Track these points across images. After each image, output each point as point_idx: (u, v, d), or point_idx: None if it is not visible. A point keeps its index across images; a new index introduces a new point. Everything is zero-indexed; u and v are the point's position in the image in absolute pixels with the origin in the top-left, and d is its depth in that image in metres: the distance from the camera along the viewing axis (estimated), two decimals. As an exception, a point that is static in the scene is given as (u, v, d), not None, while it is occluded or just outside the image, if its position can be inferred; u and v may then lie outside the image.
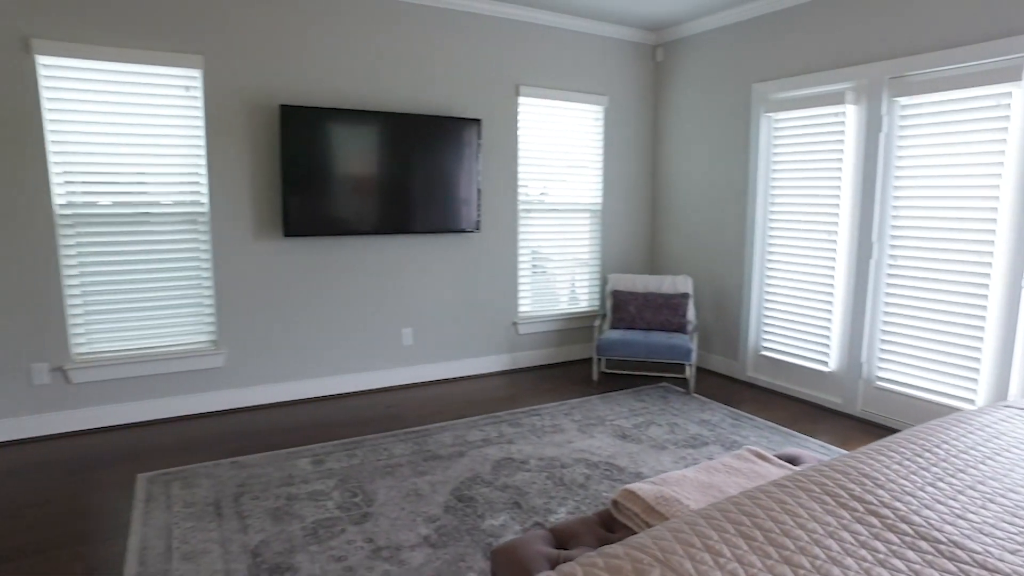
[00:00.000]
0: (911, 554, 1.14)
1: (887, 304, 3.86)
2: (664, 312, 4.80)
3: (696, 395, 4.47)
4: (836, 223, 4.09)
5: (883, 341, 3.89)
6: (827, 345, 4.20)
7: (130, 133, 3.65)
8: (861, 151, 3.93)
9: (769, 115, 4.48)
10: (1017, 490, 1.45)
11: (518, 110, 4.80)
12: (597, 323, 4.82)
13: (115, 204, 3.68)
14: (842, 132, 4.02)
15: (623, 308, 4.88)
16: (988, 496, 1.42)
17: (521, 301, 5.08)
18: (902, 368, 3.81)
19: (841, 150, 4.03)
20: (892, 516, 1.24)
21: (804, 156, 4.28)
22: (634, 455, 3.43)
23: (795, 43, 4.27)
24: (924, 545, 1.15)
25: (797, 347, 4.42)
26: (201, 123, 3.80)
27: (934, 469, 1.51)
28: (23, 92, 3.39)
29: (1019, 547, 1.20)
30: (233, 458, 3.34)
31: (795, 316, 4.41)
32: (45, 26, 3.40)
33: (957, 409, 3.57)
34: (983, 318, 3.41)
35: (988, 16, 3.30)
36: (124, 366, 3.77)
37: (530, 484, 3.07)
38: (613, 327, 4.87)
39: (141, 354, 3.82)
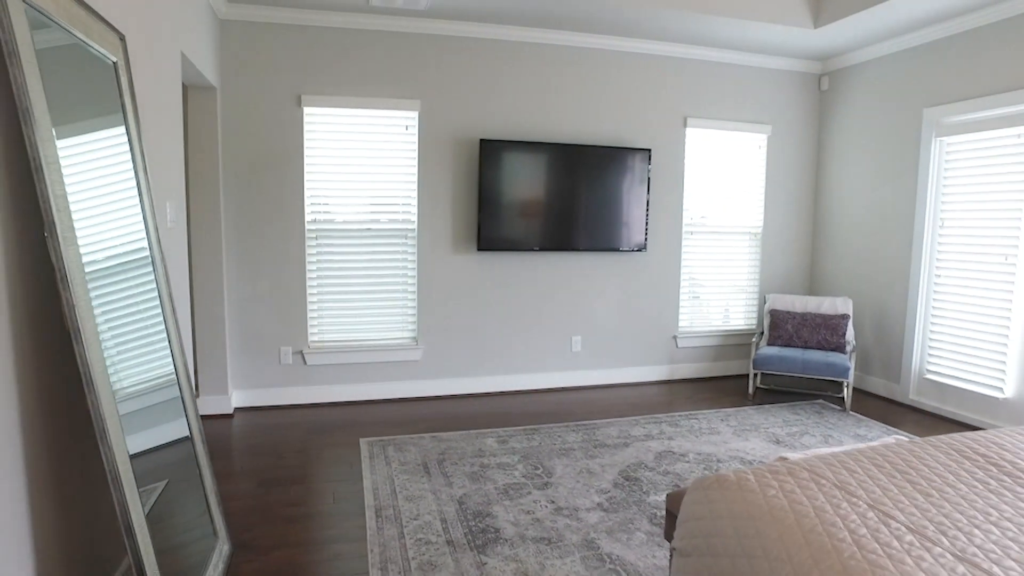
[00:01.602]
0: (1021, 490, 1.42)
1: (1068, 330, 3.78)
2: (822, 331, 4.92)
3: (853, 412, 4.56)
4: (1016, 246, 4.05)
5: (1063, 368, 3.80)
6: (1002, 371, 4.14)
7: (360, 164, 4.53)
8: (1041, 175, 3.89)
9: (941, 139, 4.51)
10: None
11: (685, 140, 5.20)
12: (755, 340, 5.04)
13: (345, 221, 4.56)
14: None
15: (781, 326, 5.06)
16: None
17: (681, 316, 5.42)
18: (1085, 397, 3.70)
19: (1023, 171, 4.00)
20: (1012, 467, 1.51)
21: (981, 179, 4.27)
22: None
23: (973, 66, 4.29)
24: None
25: (968, 371, 4.37)
26: (415, 155, 4.61)
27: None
28: (294, 135, 4.38)
29: None
30: (432, 433, 4.02)
31: (966, 340, 4.38)
32: (311, 85, 4.37)
33: None
34: None
35: None
36: (345, 353, 4.62)
37: (689, 472, 3.43)
38: (770, 344, 5.06)
39: (357, 344, 4.66)
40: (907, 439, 1.92)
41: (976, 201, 4.30)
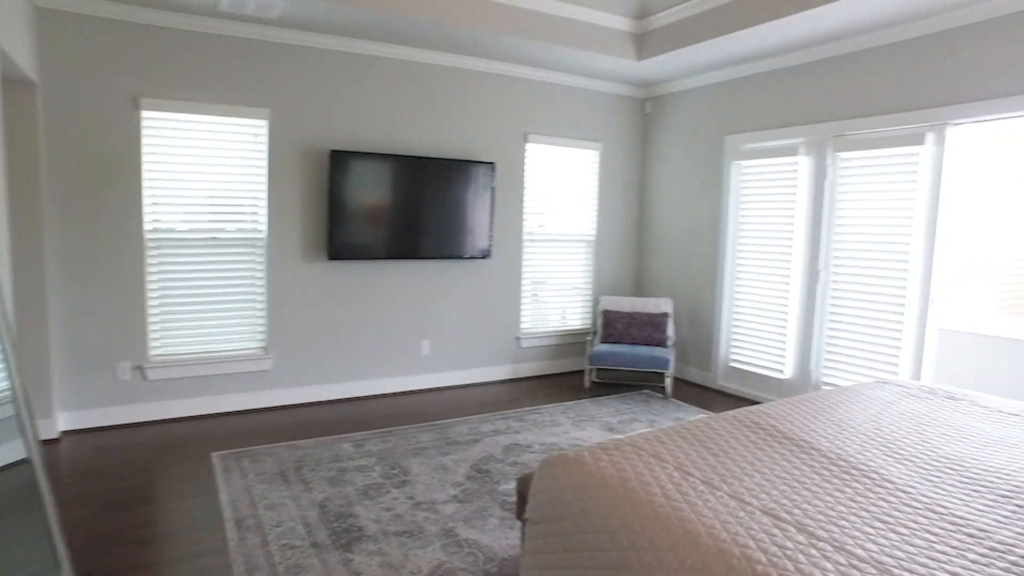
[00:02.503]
0: (776, 444, 1.90)
1: (831, 320, 4.64)
2: (647, 329, 5.56)
3: (673, 399, 5.21)
4: (790, 253, 4.88)
5: (827, 351, 4.67)
6: (783, 356, 4.96)
7: (205, 171, 4.41)
8: (810, 194, 4.74)
9: (738, 162, 5.30)
10: (852, 417, 2.24)
11: (525, 154, 5.62)
12: (589, 338, 5.57)
13: (190, 230, 4.42)
14: (795, 178, 4.83)
15: (612, 325, 5.63)
16: (833, 422, 2.19)
17: (523, 318, 5.83)
18: (842, 371, 4.58)
19: (795, 193, 4.84)
20: (773, 429, 2.00)
21: (766, 197, 5.09)
22: (620, 443, 4.15)
23: (760, 103, 5.11)
24: (785, 442, 1.93)
25: (760, 358, 5.18)
26: (265, 164, 4.58)
27: (810, 410, 2.30)
28: (131, 139, 4.17)
29: (835, 439, 1.97)
30: (288, 442, 4.04)
31: (758, 332, 5.19)
32: (151, 88, 4.19)
33: (886, 409, 4.33)
34: (901, 331, 4.19)
35: (902, 93, 4.14)
36: (190, 366, 4.47)
37: (535, 461, 3.78)
38: (603, 341, 5.61)
39: (204, 356, 4.53)
40: (707, 416, 2.37)
41: (763, 216, 5.11)
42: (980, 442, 2.04)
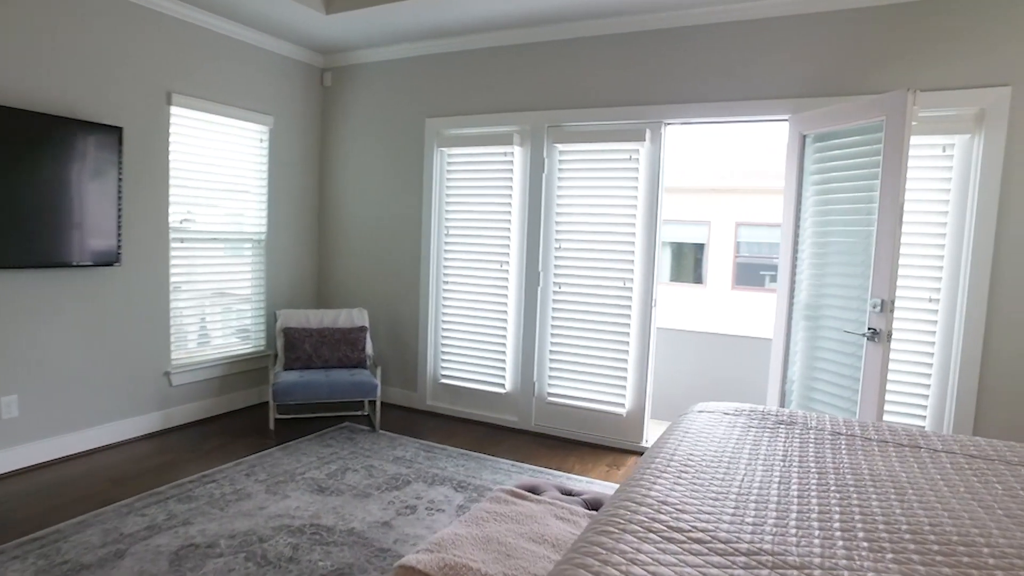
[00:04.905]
0: (741, 572, 1.21)
1: (553, 327, 4.31)
2: (342, 347, 4.56)
3: (383, 431, 4.33)
4: (508, 254, 4.42)
5: (551, 361, 4.33)
6: (503, 368, 4.49)
7: None
8: (527, 188, 4.33)
9: (443, 150, 4.64)
10: (737, 480, 1.68)
11: (171, 121, 4.06)
12: (270, 365, 4.32)
13: None
14: (511, 170, 4.37)
15: (297, 346, 4.48)
16: (732, 493, 1.61)
17: (175, 346, 4.27)
18: (567, 384, 4.29)
19: (511, 186, 4.38)
20: (706, 537, 1.32)
21: (477, 191, 4.53)
22: (339, 509, 3.12)
23: (467, 84, 4.51)
24: (742, 560, 1.25)
25: (475, 372, 4.63)
26: None
27: (688, 476, 1.69)
28: None
29: (765, 529, 1.36)
30: None
31: (472, 343, 4.62)
32: None
33: (612, 414, 4.15)
34: (627, 335, 4.05)
35: (622, 87, 3.97)
36: None
37: (227, 573, 2.53)
38: (288, 368, 4.43)
39: None
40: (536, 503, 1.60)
41: (474, 212, 4.55)
42: (877, 485, 1.64)
